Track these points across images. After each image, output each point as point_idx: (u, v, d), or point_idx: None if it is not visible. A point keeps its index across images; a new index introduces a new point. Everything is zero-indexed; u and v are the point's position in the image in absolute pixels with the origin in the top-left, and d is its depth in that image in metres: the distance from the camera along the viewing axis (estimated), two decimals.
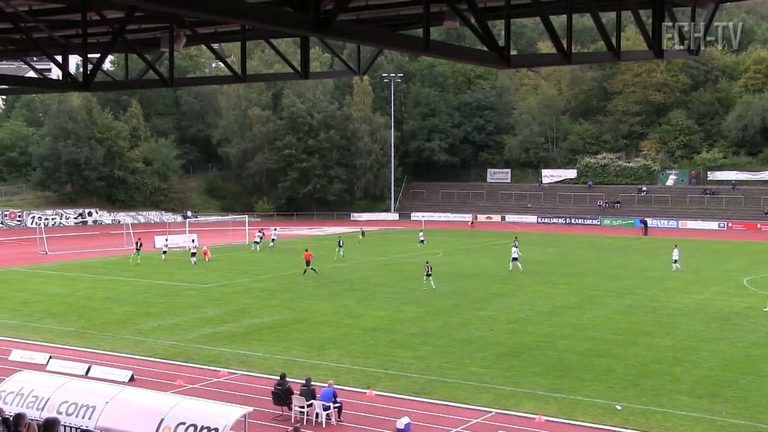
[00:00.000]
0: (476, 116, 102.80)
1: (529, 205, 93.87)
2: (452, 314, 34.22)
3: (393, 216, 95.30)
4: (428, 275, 41.02)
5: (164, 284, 43.13)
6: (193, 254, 52.21)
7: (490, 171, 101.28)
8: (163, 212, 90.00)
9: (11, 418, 9.95)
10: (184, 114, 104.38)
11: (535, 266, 50.20)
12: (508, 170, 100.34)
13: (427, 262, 42.45)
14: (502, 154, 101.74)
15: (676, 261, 48.23)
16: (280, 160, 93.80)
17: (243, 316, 34.07)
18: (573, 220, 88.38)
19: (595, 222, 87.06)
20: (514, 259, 47.75)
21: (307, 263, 45.88)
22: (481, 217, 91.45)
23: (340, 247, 55.09)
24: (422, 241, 63.18)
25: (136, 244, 54.21)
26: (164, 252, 55.42)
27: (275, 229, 67.33)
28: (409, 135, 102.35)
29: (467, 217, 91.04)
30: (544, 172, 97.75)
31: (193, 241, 59.02)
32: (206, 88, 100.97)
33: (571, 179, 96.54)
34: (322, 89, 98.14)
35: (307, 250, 47.20)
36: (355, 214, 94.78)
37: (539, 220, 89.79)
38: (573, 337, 29.63)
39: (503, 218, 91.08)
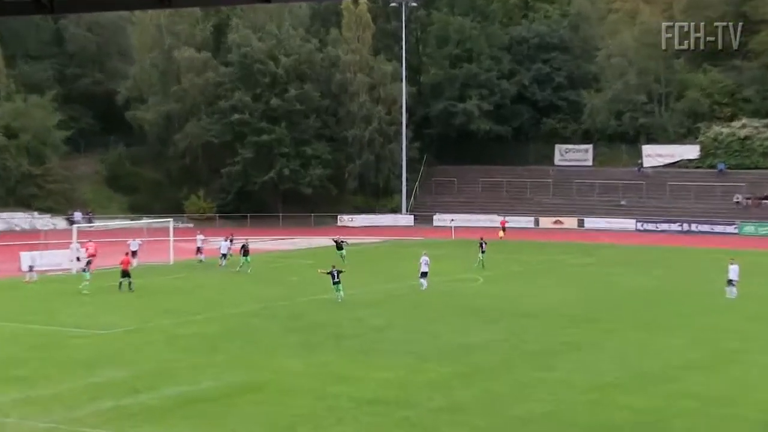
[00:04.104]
0: (538, 61, 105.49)
1: (623, 203, 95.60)
2: (499, 376, 34.67)
3: (406, 219, 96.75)
4: (335, 283, 48.55)
5: (39, 329, 43.53)
6: (78, 259, 60.42)
7: (559, 148, 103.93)
8: (36, 213, 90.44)
9: None
10: (72, 57, 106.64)
11: (631, 298, 50.99)
12: (589, 146, 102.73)
13: (333, 267, 49.66)
14: (578, 121, 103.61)
15: (731, 281, 49.89)
16: (225, 130, 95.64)
17: (164, 380, 33.96)
18: (694, 226, 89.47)
19: (729, 229, 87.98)
20: (423, 274, 53.62)
21: (125, 273, 52.28)
22: (546, 221, 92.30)
23: (245, 257, 62.58)
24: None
25: None
26: (30, 270, 57.39)
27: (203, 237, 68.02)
28: (431, 91, 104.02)
29: (527, 222, 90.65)
30: (646, 149, 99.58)
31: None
32: (107, 17, 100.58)
33: (690, 160, 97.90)
34: (293, 19, 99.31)
35: (126, 254, 54.91)
36: (345, 216, 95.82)
37: (639, 226, 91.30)
38: (697, 414, 29.36)
39: (581, 223, 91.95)
